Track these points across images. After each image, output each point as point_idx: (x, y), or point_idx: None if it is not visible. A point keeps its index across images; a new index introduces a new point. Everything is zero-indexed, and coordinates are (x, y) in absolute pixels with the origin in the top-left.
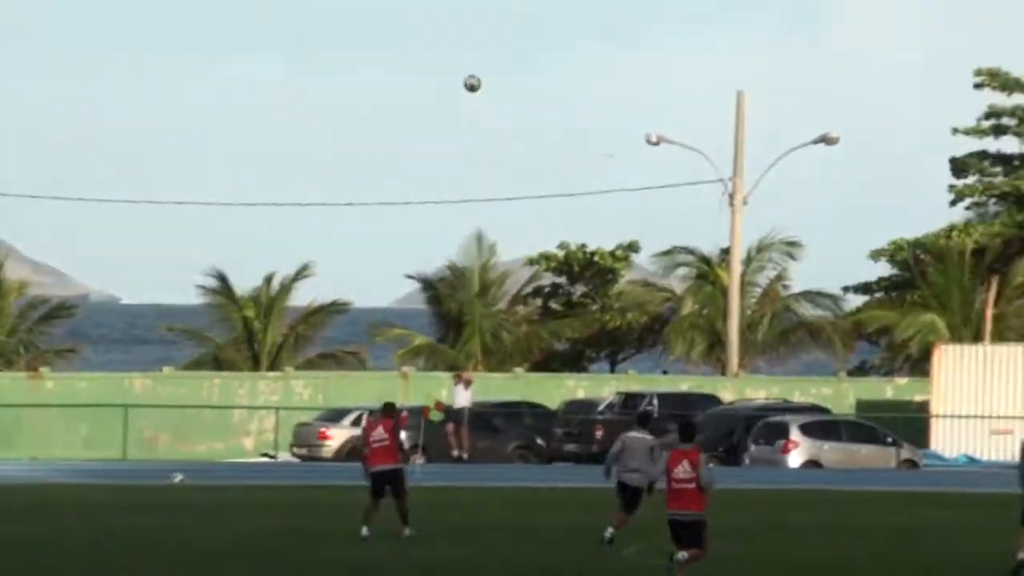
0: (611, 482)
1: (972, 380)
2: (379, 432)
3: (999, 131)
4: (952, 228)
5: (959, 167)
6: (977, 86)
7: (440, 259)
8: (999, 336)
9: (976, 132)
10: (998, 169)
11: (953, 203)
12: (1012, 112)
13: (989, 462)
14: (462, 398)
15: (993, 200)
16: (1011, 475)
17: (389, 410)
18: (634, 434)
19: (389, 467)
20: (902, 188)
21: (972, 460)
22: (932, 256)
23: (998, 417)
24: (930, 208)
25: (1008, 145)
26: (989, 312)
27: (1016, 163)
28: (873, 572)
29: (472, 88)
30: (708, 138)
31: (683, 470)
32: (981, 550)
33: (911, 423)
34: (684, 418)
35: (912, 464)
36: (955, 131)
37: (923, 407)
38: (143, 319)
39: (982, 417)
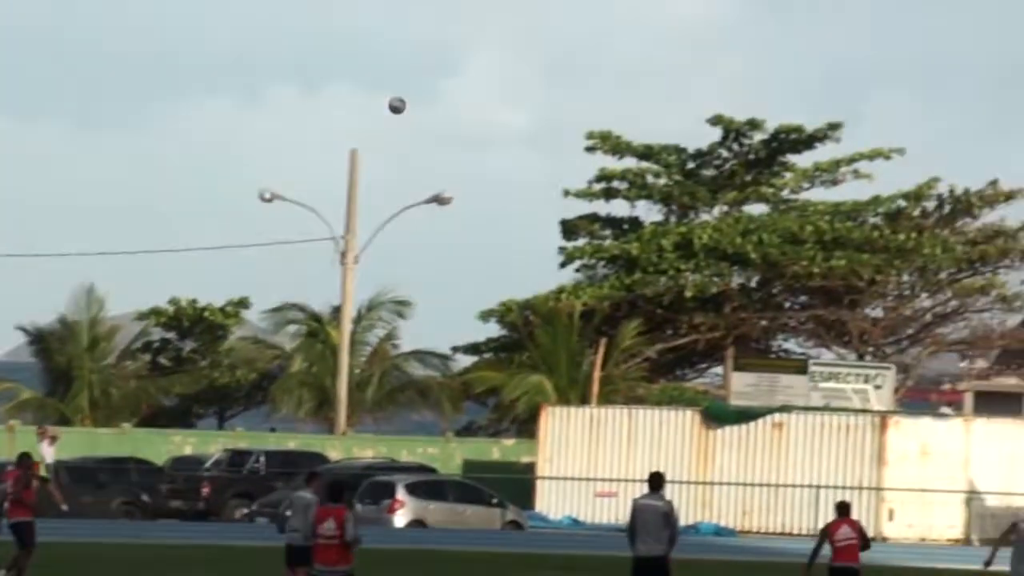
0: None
1: (578, 442)
2: (8, 485)
3: (609, 194)
4: (561, 290)
5: (569, 229)
6: (588, 149)
7: (51, 312)
8: (606, 399)
9: (587, 195)
10: (608, 232)
11: (563, 265)
12: (622, 175)
13: (593, 525)
14: (47, 454)
15: (602, 263)
16: (615, 538)
17: (19, 461)
18: (301, 493)
19: (17, 520)
20: (513, 249)
21: (576, 522)
22: (541, 318)
23: (603, 480)
24: (540, 270)
25: (618, 208)
26: (596, 374)
27: (626, 226)
28: None
29: (396, 110)
30: (323, 196)
31: (329, 527)
32: None
33: (518, 484)
34: (334, 477)
35: (517, 525)
36: (566, 193)
37: (529, 468)
38: None
39: (588, 479)
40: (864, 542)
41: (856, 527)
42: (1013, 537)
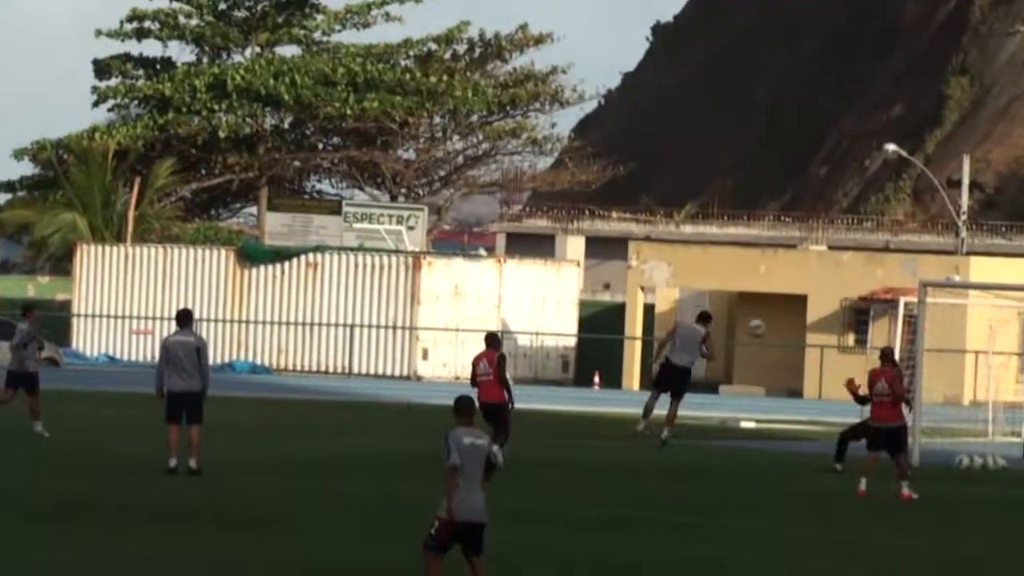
0: None
1: (114, 280)
2: None
3: (142, 34)
4: (95, 129)
5: (102, 69)
6: None
7: None
8: (141, 237)
9: (119, 35)
10: (140, 72)
11: (96, 104)
12: (155, 16)
13: (129, 362)
14: None
15: (135, 103)
16: (150, 374)
17: None
18: (20, 325)
19: None
20: (47, 88)
21: (112, 359)
22: (75, 156)
23: (139, 318)
24: (74, 109)
25: (151, 48)
26: (131, 213)
27: (158, 66)
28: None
29: None
30: None
31: None
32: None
33: (54, 322)
34: None
35: (53, 362)
36: (98, 33)
37: (65, 306)
38: None
39: (123, 317)
40: (500, 376)
41: (493, 359)
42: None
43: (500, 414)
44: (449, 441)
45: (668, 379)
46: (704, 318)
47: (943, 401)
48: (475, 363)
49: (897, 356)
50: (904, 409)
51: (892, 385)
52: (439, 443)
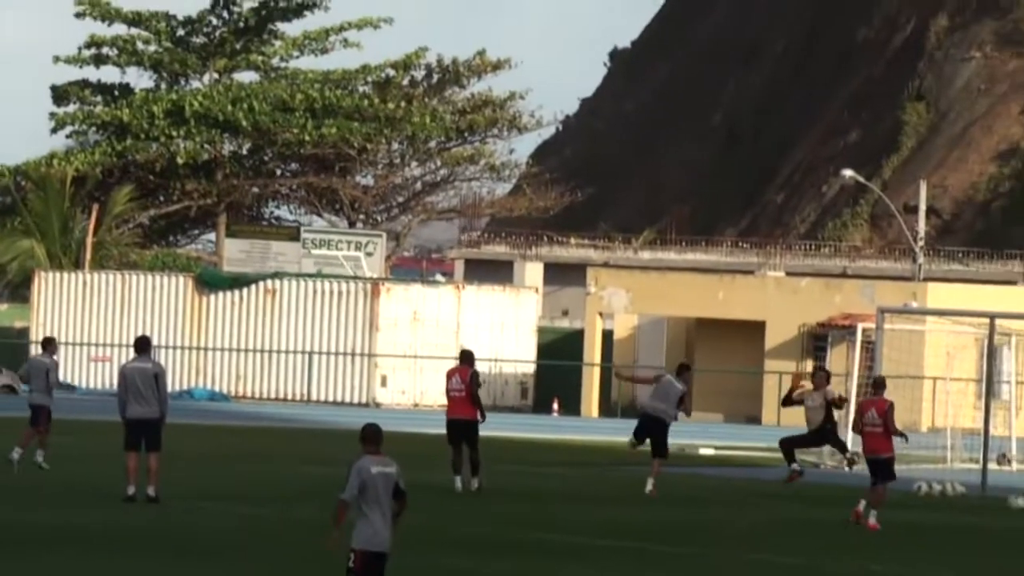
0: None
1: (72, 307)
2: None
3: (100, 61)
4: (53, 156)
5: (60, 95)
6: (79, 15)
7: None
8: (99, 264)
9: (77, 61)
10: (99, 98)
11: (54, 131)
12: (112, 42)
13: (89, 390)
14: None
15: (94, 129)
16: (110, 402)
17: None
18: (40, 357)
19: None
20: (4, 114)
21: (71, 387)
22: (33, 183)
23: (97, 344)
24: (32, 135)
25: (109, 75)
26: (89, 240)
27: (116, 93)
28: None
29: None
30: None
31: None
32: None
33: (12, 349)
34: None
35: (11, 390)
36: (57, 59)
37: (23, 333)
38: None
39: (82, 344)
40: (472, 393)
41: (466, 376)
42: (655, 384)
43: (470, 432)
44: (351, 472)
45: (647, 429)
46: (682, 370)
47: (901, 427)
48: (448, 376)
49: (855, 382)
50: (900, 443)
51: (883, 416)
52: (343, 473)
